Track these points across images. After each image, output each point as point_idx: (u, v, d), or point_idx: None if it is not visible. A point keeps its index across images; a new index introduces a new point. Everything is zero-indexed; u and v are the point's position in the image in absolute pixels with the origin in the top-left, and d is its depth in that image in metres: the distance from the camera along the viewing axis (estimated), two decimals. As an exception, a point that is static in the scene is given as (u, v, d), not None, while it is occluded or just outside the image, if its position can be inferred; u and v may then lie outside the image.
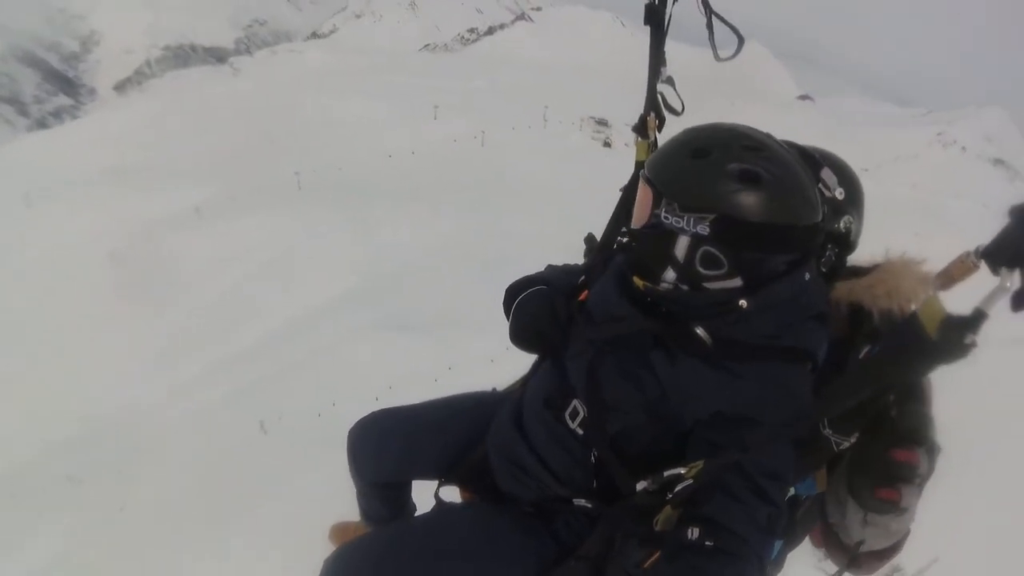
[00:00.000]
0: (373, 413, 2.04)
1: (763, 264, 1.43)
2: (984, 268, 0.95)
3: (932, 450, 1.43)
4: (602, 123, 59.38)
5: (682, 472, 1.37)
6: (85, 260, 33.34)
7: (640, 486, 1.44)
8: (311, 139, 50.44)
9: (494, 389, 2.06)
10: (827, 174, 1.73)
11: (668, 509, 1.39)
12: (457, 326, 17.36)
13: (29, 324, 29.04)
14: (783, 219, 1.39)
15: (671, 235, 1.43)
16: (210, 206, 36.17)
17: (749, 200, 1.38)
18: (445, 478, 1.91)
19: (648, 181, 1.47)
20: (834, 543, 1.63)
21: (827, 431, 1.36)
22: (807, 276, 1.47)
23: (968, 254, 0.99)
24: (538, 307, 1.75)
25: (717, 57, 1.78)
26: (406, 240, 25.78)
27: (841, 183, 1.76)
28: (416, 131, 49.42)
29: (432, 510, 1.85)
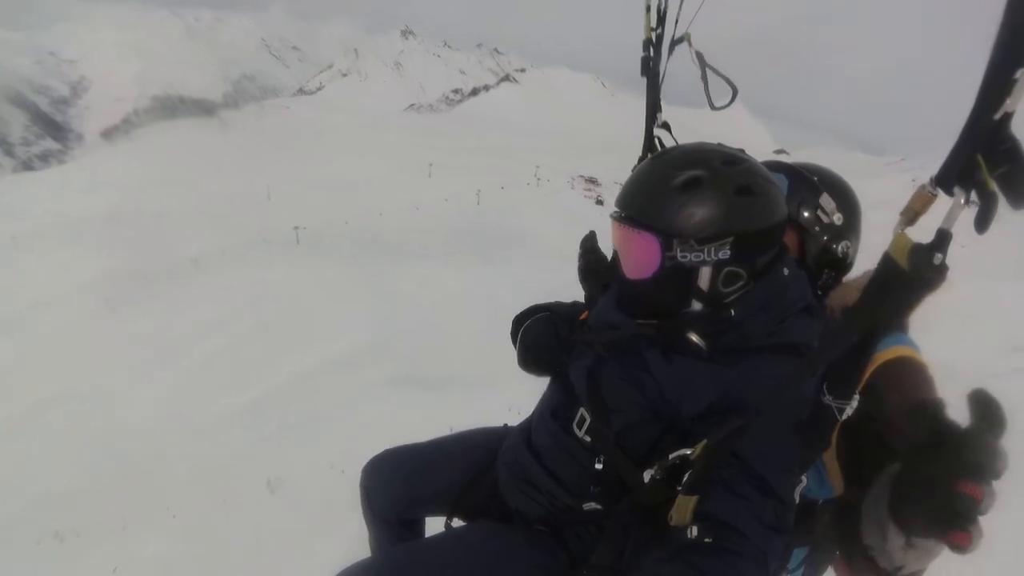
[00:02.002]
0: (385, 450, 2.06)
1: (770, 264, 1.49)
2: (942, 195, 0.98)
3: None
4: (592, 181, 60.35)
5: (687, 453, 1.34)
6: (79, 308, 32.64)
7: (647, 476, 1.42)
8: (308, 194, 50.57)
9: (506, 425, 2.05)
10: (825, 200, 1.76)
11: (681, 498, 1.31)
12: (471, 380, 17.13)
13: (18, 373, 28.31)
14: (776, 218, 1.47)
15: (692, 271, 1.45)
16: (208, 257, 35.87)
17: (753, 212, 1.44)
18: (455, 511, 1.90)
19: (648, 228, 1.46)
20: (865, 567, 1.42)
21: (827, 398, 1.27)
22: (786, 271, 1.49)
23: (924, 186, 1.01)
24: (541, 331, 1.84)
25: (712, 106, 1.79)
26: (414, 295, 25.66)
27: (840, 207, 1.78)
28: (412, 189, 49.87)
29: (441, 532, 1.85)
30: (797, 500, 1.40)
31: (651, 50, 1.91)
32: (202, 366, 24.64)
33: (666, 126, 1.95)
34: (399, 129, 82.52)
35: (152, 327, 29.18)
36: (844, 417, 1.27)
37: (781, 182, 1.71)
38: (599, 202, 53.04)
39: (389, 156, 60.84)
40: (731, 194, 1.42)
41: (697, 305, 1.47)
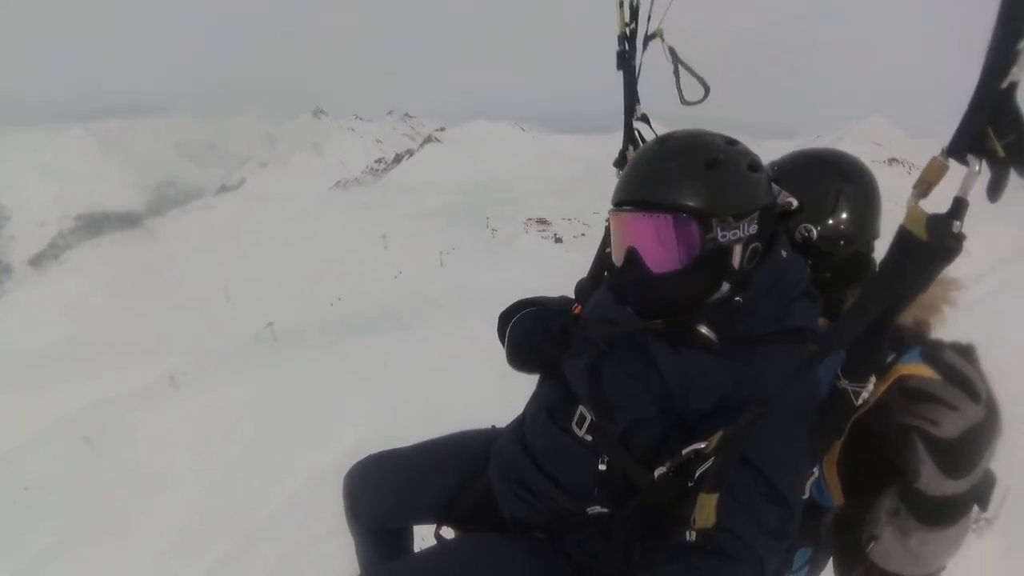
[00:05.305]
0: (370, 455, 1.96)
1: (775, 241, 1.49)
2: (955, 165, 0.99)
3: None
4: (543, 222, 61.04)
5: (702, 447, 1.30)
6: (58, 450, 30.82)
7: (658, 472, 1.36)
8: (269, 289, 49.59)
9: (493, 427, 1.97)
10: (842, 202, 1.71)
11: (703, 497, 1.26)
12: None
13: (2, 527, 26.42)
14: (773, 194, 1.49)
15: (728, 250, 1.41)
16: (184, 375, 34.47)
17: (765, 186, 1.46)
18: (444, 519, 1.83)
19: (683, 211, 1.39)
20: (846, 551, 1.51)
21: (843, 382, 1.28)
22: (784, 253, 1.48)
23: (936, 157, 1.01)
24: (531, 325, 1.75)
25: (684, 101, 1.79)
26: (407, 373, 24.98)
27: (851, 211, 1.70)
28: (373, 264, 49.50)
29: (433, 546, 1.77)
30: (808, 494, 1.44)
31: (626, 44, 1.92)
32: (204, 494, 23.26)
33: (644, 119, 1.96)
34: (338, 207, 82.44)
35: (139, 462, 27.49)
36: (860, 402, 1.28)
37: None
38: (558, 240, 53.63)
39: (338, 235, 60.56)
40: (746, 170, 1.43)
41: (726, 287, 1.44)
